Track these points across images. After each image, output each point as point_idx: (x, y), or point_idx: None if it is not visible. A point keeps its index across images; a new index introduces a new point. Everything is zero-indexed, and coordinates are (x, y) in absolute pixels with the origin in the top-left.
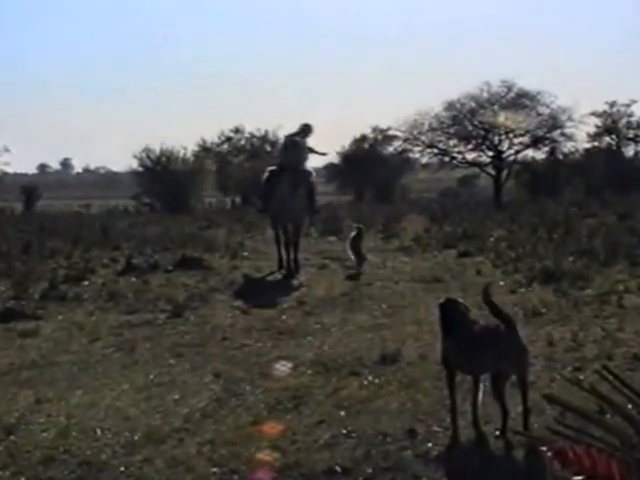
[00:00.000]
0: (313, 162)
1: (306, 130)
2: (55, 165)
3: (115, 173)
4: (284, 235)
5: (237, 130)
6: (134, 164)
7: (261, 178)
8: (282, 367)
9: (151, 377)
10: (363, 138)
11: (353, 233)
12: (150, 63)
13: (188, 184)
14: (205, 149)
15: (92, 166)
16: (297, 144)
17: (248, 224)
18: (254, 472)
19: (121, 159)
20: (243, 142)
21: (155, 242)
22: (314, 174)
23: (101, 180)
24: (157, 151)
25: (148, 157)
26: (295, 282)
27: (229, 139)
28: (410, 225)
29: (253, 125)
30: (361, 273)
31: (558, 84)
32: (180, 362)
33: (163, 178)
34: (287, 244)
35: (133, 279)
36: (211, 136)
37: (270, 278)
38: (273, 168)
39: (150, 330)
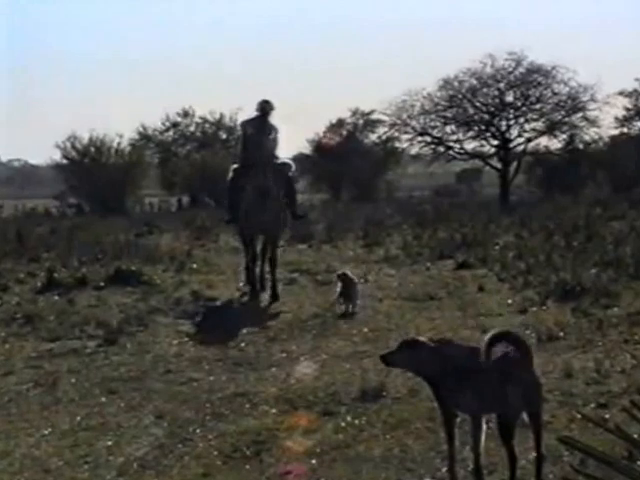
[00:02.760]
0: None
1: (266, 108)
2: None
3: (33, 167)
4: (252, 249)
5: (186, 114)
6: (57, 156)
7: (226, 179)
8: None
9: (78, 419)
10: (340, 123)
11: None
12: (77, 33)
13: (124, 180)
14: (145, 137)
15: (4, 158)
16: (262, 131)
17: (198, 229)
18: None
19: (41, 150)
20: (192, 128)
21: (83, 252)
22: (293, 167)
23: (16, 175)
24: (85, 140)
25: (74, 147)
26: (257, 301)
27: (175, 125)
28: None
29: (205, 108)
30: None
31: (576, 58)
32: (114, 400)
33: (93, 173)
34: (254, 259)
35: (55, 298)
36: (153, 121)
37: (226, 297)
38: (237, 166)
39: (76, 361)
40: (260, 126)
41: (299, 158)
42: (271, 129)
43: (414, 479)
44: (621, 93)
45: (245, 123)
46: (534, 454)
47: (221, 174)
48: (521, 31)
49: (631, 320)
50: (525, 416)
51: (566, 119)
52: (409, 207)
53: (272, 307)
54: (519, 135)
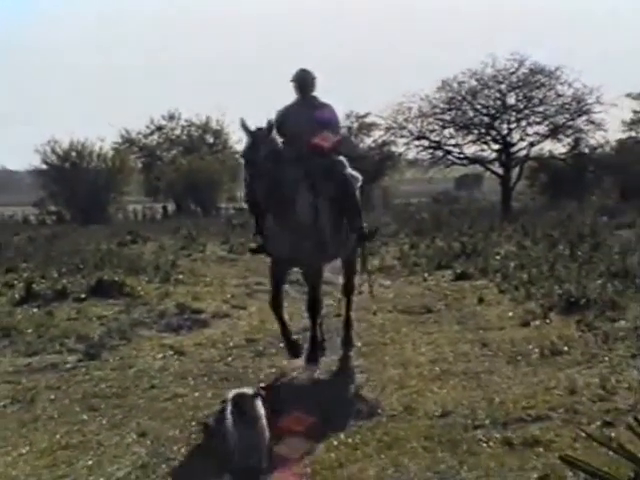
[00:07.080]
0: None
1: (307, 80)
2: None
3: (11, 172)
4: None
5: (171, 117)
6: (36, 161)
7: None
8: None
9: (57, 437)
10: None
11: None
12: (58, 32)
13: (106, 186)
14: (129, 141)
15: None
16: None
17: (184, 238)
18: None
19: (19, 155)
20: (178, 132)
21: (63, 262)
22: (359, 176)
23: None
24: (66, 144)
25: (54, 152)
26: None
27: (160, 128)
28: None
29: (191, 111)
30: None
31: (578, 61)
32: (95, 418)
33: (73, 179)
34: (311, 306)
35: (34, 310)
36: (137, 125)
37: (212, 308)
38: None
39: (56, 377)
40: (306, 111)
41: None
42: (329, 109)
43: None
44: (629, 95)
45: (283, 112)
46: None
47: (208, 180)
48: (524, 31)
49: (638, 333)
50: None
51: (571, 122)
52: (406, 214)
53: (259, 320)
54: (521, 139)
